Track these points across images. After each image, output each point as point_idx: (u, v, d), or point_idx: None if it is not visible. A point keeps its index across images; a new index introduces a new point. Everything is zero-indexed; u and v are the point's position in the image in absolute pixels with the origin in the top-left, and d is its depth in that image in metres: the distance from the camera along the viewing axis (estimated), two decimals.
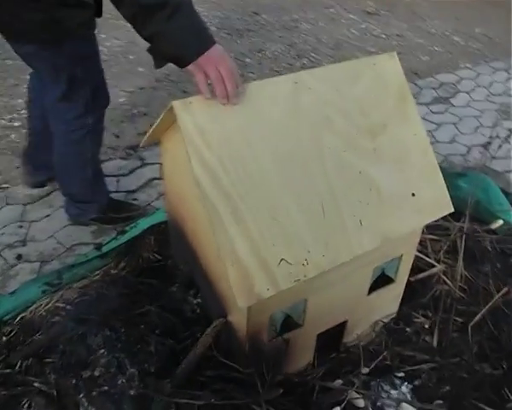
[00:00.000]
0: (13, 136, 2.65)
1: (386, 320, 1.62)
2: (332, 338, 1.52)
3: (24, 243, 2.05)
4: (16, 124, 2.73)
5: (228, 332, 1.38)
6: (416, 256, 1.78)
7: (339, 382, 1.44)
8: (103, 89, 1.93)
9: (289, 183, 1.18)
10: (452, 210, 1.38)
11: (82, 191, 2.07)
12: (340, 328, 1.50)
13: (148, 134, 1.36)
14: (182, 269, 1.74)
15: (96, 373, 1.51)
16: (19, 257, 1.98)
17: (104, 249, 1.90)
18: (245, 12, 4.39)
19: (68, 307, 1.63)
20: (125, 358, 1.55)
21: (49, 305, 1.64)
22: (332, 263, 1.18)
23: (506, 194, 2.16)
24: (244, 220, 1.12)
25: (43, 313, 1.61)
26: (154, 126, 1.29)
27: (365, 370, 1.49)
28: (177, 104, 1.15)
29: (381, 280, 1.49)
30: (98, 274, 1.79)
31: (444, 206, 1.37)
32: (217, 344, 1.40)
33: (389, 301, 1.58)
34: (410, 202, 1.31)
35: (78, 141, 1.92)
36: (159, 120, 1.25)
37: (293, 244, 1.15)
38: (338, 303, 1.40)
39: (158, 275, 1.84)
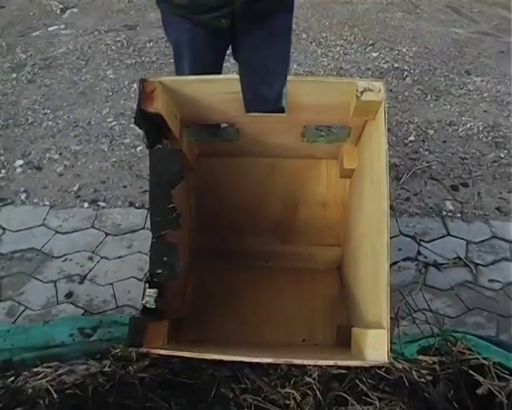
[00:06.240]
0: (139, 148, 2.55)
1: None
2: None
3: (82, 280, 1.93)
4: None
5: None
6: None
7: None
8: None
9: None
10: None
11: None
12: None
13: None
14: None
15: None
16: (68, 295, 1.87)
17: None
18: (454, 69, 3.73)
19: (56, 396, 1.44)
20: None
21: (43, 381, 1.48)
22: None
23: None
24: None
25: (30, 391, 1.46)
26: None
27: None
28: None
29: None
30: (116, 355, 1.57)
31: None
32: None
33: None
34: None
35: None
36: None
37: None
38: None
39: (184, 391, 1.54)
